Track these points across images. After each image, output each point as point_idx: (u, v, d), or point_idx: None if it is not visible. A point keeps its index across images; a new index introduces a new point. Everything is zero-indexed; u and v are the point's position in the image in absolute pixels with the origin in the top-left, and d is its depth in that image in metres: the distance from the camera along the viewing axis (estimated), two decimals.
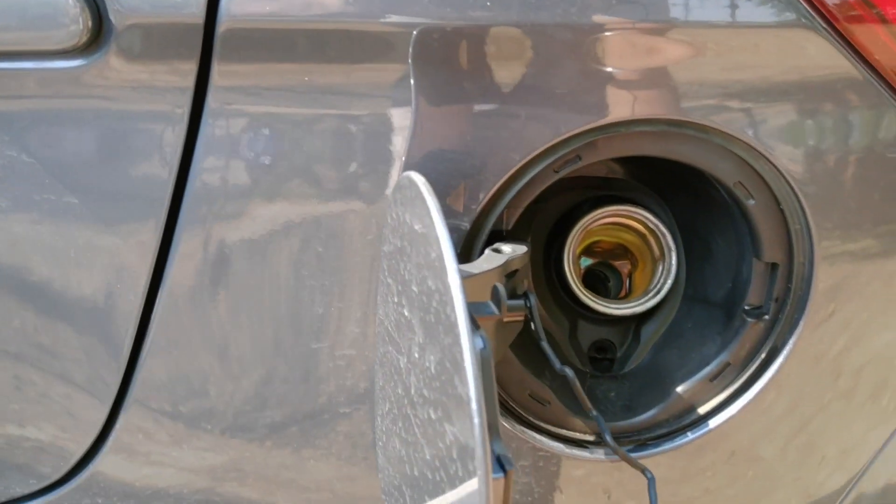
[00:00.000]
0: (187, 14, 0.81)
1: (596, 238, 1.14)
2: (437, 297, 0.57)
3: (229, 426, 0.93)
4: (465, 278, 0.77)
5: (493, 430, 0.58)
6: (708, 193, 0.98)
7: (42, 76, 0.83)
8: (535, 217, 1.07)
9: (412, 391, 0.67)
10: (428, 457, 0.62)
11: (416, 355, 0.65)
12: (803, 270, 0.91)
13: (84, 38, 0.81)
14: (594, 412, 0.86)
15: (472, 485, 0.52)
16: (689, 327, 1.04)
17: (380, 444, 0.84)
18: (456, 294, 0.51)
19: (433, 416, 0.60)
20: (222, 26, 0.81)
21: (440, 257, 0.55)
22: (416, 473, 0.66)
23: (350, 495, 0.96)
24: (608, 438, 0.84)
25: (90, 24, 0.81)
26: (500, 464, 0.55)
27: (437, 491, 0.59)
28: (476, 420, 0.50)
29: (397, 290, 0.73)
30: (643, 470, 0.87)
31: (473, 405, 0.50)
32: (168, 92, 0.83)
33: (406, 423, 0.70)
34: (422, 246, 0.62)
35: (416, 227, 0.63)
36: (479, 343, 0.59)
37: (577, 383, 0.83)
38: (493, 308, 0.72)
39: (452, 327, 0.53)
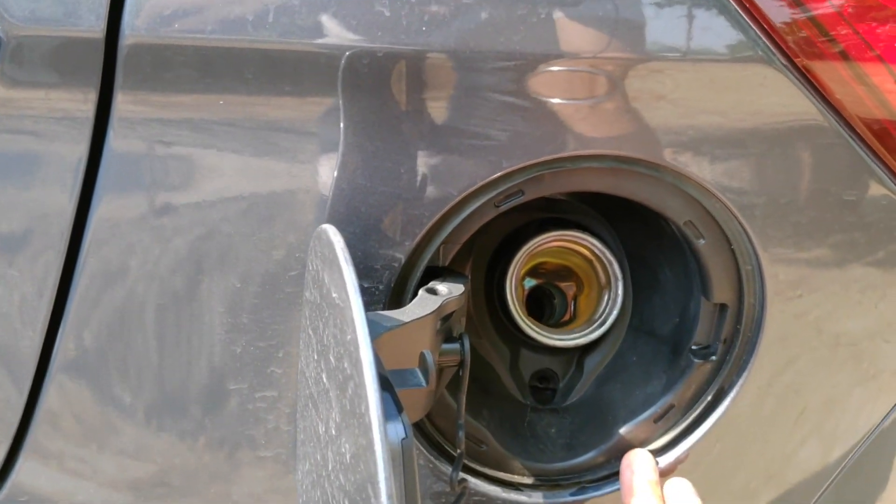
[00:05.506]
0: (84, 27, 0.71)
1: (541, 259, 1.08)
2: (352, 385, 0.51)
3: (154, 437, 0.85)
4: (396, 327, 0.71)
5: None
6: (657, 223, 0.93)
7: None
8: (475, 240, 1.00)
9: (329, 466, 0.61)
10: None
11: (334, 433, 0.59)
12: (753, 312, 0.86)
13: None
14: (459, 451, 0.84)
15: None
16: (633, 360, 0.99)
17: (301, 500, 0.78)
18: (373, 411, 0.44)
19: None
20: (126, 41, 0.72)
21: (356, 347, 0.48)
22: None
23: None
24: None
25: None
26: None
27: None
28: None
29: (317, 347, 0.67)
30: None
31: None
32: (63, 122, 0.73)
33: (324, 496, 0.64)
34: (338, 318, 0.55)
35: (334, 294, 0.56)
36: (401, 432, 0.53)
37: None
38: (420, 379, 0.65)
39: (367, 430, 0.47)
